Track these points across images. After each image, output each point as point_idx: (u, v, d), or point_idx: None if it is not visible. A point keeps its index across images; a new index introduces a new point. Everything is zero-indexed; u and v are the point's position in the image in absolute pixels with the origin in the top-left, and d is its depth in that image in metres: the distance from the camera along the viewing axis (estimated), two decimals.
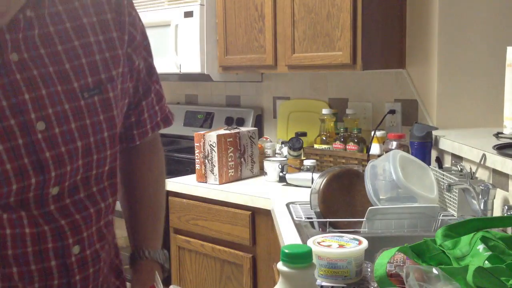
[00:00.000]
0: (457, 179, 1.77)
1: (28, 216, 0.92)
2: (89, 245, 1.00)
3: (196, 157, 2.62)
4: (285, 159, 2.67)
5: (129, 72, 1.07)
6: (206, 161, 2.59)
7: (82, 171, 0.98)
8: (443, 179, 1.88)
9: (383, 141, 2.43)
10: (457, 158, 2.01)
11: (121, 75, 1.03)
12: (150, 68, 1.16)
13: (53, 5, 0.94)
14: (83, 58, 0.96)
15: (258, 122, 3.17)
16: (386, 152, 2.10)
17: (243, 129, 2.73)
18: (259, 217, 2.37)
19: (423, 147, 2.19)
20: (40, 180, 0.91)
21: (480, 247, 1.20)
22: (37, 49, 0.91)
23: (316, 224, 1.88)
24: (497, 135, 2.00)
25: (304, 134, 2.77)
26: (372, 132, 2.48)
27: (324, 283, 1.29)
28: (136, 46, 1.08)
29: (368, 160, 2.29)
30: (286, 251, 0.81)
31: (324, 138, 2.66)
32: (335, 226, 1.83)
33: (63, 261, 0.96)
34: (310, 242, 1.34)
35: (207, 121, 3.32)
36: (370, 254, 1.33)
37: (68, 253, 0.96)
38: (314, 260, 0.99)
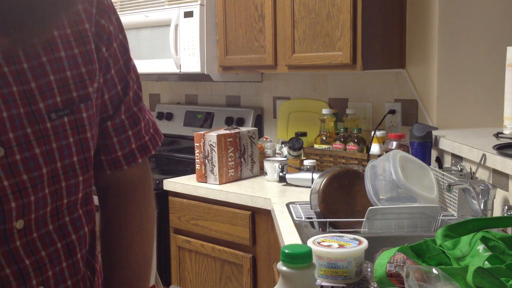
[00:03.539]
0: (457, 179, 1.77)
1: None
2: (56, 284, 0.90)
3: (196, 157, 2.62)
4: (285, 159, 2.67)
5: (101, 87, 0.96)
6: (206, 161, 2.59)
7: (50, 201, 0.88)
8: (443, 179, 1.88)
9: (383, 141, 2.43)
10: (457, 158, 2.01)
11: (95, 91, 0.93)
12: (127, 87, 1.01)
13: None
14: (51, 75, 0.86)
15: (258, 122, 3.17)
16: (386, 152, 2.10)
17: (243, 129, 2.73)
18: (259, 217, 2.37)
19: (423, 147, 2.19)
20: None
21: (480, 247, 1.20)
22: (1, 67, 0.82)
23: (316, 224, 1.88)
24: (497, 135, 2.00)
25: (304, 134, 2.77)
26: (372, 132, 2.48)
27: (324, 283, 1.29)
28: (100, 59, 0.95)
29: (368, 160, 2.29)
30: (286, 251, 0.81)
31: (324, 138, 2.66)
32: (335, 226, 1.83)
33: None
34: (310, 242, 1.34)
35: (207, 121, 3.32)
36: (370, 254, 1.33)
37: None
38: (314, 260, 0.99)
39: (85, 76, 0.91)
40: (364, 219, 1.74)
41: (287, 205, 2.12)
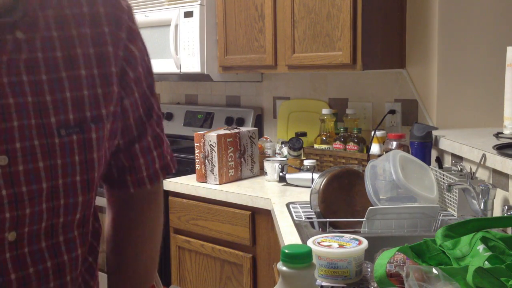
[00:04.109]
0: (457, 179, 1.77)
1: None
2: None
3: (196, 157, 2.62)
4: (285, 159, 2.67)
5: (121, 110, 0.96)
6: (206, 161, 2.59)
7: (46, 217, 0.86)
8: (443, 179, 1.88)
9: (383, 141, 2.43)
10: (457, 158, 2.01)
11: (112, 114, 0.93)
12: (151, 109, 1.03)
13: (47, 30, 0.85)
14: (67, 92, 0.86)
15: (258, 122, 3.17)
16: (386, 152, 2.10)
17: (243, 129, 2.73)
18: (259, 217, 2.37)
19: (423, 147, 2.18)
20: None
21: (480, 247, 1.20)
22: (20, 75, 0.82)
23: (316, 224, 1.88)
24: (497, 135, 2.00)
25: (304, 134, 2.77)
26: (372, 132, 2.48)
27: (324, 283, 1.29)
28: (127, 83, 0.96)
29: (368, 160, 2.29)
30: (286, 251, 0.81)
31: (324, 138, 2.66)
32: (335, 226, 1.83)
33: None
34: (310, 242, 1.34)
35: (207, 121, 3.32)
36: (370, 254, 1.33)
37: None
38: (314, 260, 0.99)
39: (100, 97, 0.90)
40: (364, 219, 1.74)
41: (287, 205, 2.12)
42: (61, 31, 0.86)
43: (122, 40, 0.94)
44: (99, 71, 0.90)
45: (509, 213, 1.52)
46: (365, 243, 1.32)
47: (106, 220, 1.08)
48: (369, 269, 1.31)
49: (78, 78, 0.88)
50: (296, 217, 1.90)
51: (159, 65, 3.01)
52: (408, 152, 2.15)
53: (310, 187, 1.95)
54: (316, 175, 2.18)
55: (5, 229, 0.82)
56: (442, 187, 1.88)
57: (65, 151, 0.86)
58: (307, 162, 2.56)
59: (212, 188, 2.52)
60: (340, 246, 1.31)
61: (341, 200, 1.87)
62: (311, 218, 1.89)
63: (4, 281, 0.83)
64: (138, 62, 0.98)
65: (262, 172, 2.71)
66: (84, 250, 0.95)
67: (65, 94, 0.86)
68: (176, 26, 2.89)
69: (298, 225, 1.82)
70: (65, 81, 0.86)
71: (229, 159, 2.60)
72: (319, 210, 1.85)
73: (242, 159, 2.67)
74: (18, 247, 0.84)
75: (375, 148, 2.46)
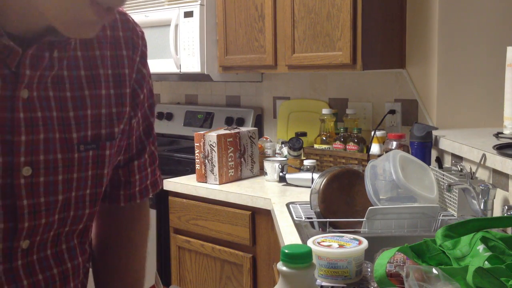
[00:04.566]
0: (457, 179, 1.77)
1: None
2: None
3: (196, 157, 2.62)
4: (285, 159, 2.67)
5: (128, 129, 1.01)
6: (206, 161, 2.59)
7: (56, 227, 0.91)
8: (443, 179, 1.88)
9: (383, 141, 2.43)
10: (457, 158, 2.01)
11: (121, 132, 0.98)
12: (150, 128, 1.09)
13: (74, 49, 0.89)
14: (89, 110, 0.91)
15: (258, 122, 3.17)
16: (386, 152, 2.10)
17: (243, 129, 2.73)
18: (259, 217, 2.37)
19: (423, 147, 2.18)
20: (9, 227, 0.84)
21: (480, 247, 1.20)
22: (47, 90, 0.86)
23: (316, 224, 1.88)
24: (497, 135, 2.00)
25: (304, 134, 2.77)
26: (372, 132, 2.48)
27: (324, 283, 1.29)
28: (137, 103, 1.01)
29: (368, 160, 2.29)
30: (286, 251, 0.81)
31: (324, 138, 2.66)
32: (335, 226, 1.83)
33: None
34: (310, 242, 1.34)
35: (207, 121, 3.32)
36: (370, 254, 1.33)
37: None
38: (314, 260, 0.99)
39: (114, 116, 0.95)
40: (364, 219, 1.74)
41: (287, 205, 2.12)
42: (85, 51, 0.91)
43: (136, 63, 1.00)
44: (115, 91, 0.95)
45: (509, 213, 1.52)
46: (365, 243, 1.32)
47: (93, 229, 1.10)
48: (369, 269, 1.31)
49: (98, 97, 0.92)
50: (296, 217, 1.90)
51: (159, 65, 3.01)
52: (408, 152, 2.15)
53: (310, 187, 1.95)
54: (316, 175, 2.18)
55: (21, 238, 0.86)
56: (442, 187, 1.88)
57: (81, 166, 0.91)
58: (307, 162, 2.56)
59: (212, 188, 2.52)
60: (340, 246, 1.30)
61: (341, 200, 1.87)
62: (311, 218, 1.89)
63: (18, 287, 0.87)
64: (145, 83, 1.03)
65: (262, 172, 2.71)
66: (84, 258, 0.99)
67: (86, 112, 0.91)
68: (176, 26, 2.89)
69: (298, 225, 1.82)
70: (87, 99, 0.91)
71: (229, 159, 2.60)
72: (319, 210, 1.85)
73: (242, 159, 2.67)
74: (28, 254, 0.88)
75: (375, 148, 2.46)
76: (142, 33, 1.03)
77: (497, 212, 1.68)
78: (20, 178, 0.84)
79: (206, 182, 2.60)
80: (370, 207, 1.74)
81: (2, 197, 0.83)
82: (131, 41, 0.98)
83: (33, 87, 0.84)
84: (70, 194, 0.90)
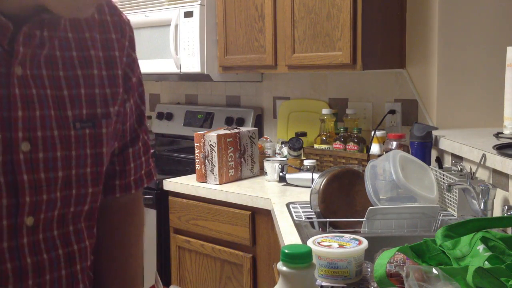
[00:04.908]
0: (457, 179, 1.77)
1: None
2: None
3: (196, 157, 2.62)
4: (285, 159, 2.67)
5: (123, 113, 1.04)
6: (206, 161, 2.59)
7: (60, 206, 0.92)
8: (443, 179, 1.88)
9: (383, 141, 2.43)
10: (457, 158, 2.01)
11: (116, 113, 1.00)
12: (142, 116, 1.11)
13: (64, 31, 0.92)
14: (82, 88, 0.93)
15: (258, 122, 3.17)
16: (386, 152, 2.10)
17: (243, 129, 2.73)
18: (259, 217, 2.37)
19: (423, 147, 2.19)
20: (12, 203, 0.86)
21: (480, 247, 1.20)
22: (40, 69, 0.88)
23: (316, 224, 1.88)
24: (497, 135, 2.00)
25: (304, 134, 2.77)
26: (372, 132, 2.48)
27: (324, 283, 1.29)
28: (130, 88, 1.04)
29: (368, 160, 2.29)
30: (286, 251, 0.81)
31: (324, 138, 2.66)
32: (335, 226, 1.83)
33: None
34: (310, 242, 1.34)
35: (207, 121, 3.32)
36: (370, 254, 1.33)
37: None
38: (314, 260, 0.99)
39: (108, 97, 0.98)
40: (364, 219, 1.74)
41: (287, 205, 2.12)
42: (75, 34, 0.94)
43: (126, 47, 1.02)
44: (108, 72, 0.98)
45: (509, 213, 1.52)
46: (365, 243, 1.32)
47: None
48: (369, 269, 1.32)
49: (91, 77, 0.95)
50: (296, 217, 1.90)
51: (159, 65, 3.01)
52: (408, 152, 2.15)
53: (310, 187, 1.95)
54: (316, 175, 2.18)
55: (25, 213, 0.87)
56: (442, 187, 1.88)
57: (79, 143, 0.93)
58: (307, 162, 2.56)
59: (212, 188, 2.52)
60: (340, 246, 1.31)
61: (341, 200, 1.87)
62: (311, 218, 1.89)
63: (21, 265, 0.88)
64: (136, 69, 1.06)
65: (262, 172, 2.71)
66: (92, 242, 1.00)
67: (80, 91, 0.93)
68: (176, 26, 2.89)
69: (298, 225, 1.82)
70: (80, 79, 0.93)
71: (229, 159, 2.60)
72: (319, 210, 1.85)
73: (242, 159, 2.67)
74: (34, 233, 0.89)
75: (375, 148, 2.46)
76: (129, 20, 1.05)
77: (497, 212, 1.68)
78: (20, 153, 0.86)
79: (206, 182, 2.60)
80: (370, 207, 1.74)
81: (3, 173, 0.84)
82: (119, 26, 1.01)
83: (26, 65, 0.86)
84: (70, 172, 0.92)
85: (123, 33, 1.02)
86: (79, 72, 0.93)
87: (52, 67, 0.90)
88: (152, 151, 1.15)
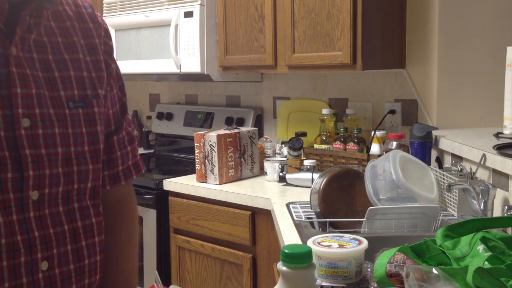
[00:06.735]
0: (457, 179, 1.77)
1: (5, 224, 0.89)
2: (59, 264, 0.97)
3: (196, 157, 2.62)
4: (285, 159, 2.67)
5: (109, 98, 1.10)
6: (206, 161, 2.59)
7: (63, 182, 0.97)
8: (443, 179, 1.88)
9: (383, 141, 2.43)
10: (457, 158, 2.01)
11: (104, 96, 1.06)
12: (124, 107, 1.16)
13: (47, 20, 0.99)
14: (71, 71, 1.00)
15: (258, 122, 3.17)
16: (386, 152, 2.10)
17: (243, 129, 2.73)
18: (259, 217, 2.37)
19: (423, 147, 2.19)
20: (17, 177, 0.90)
21: (480, 247, 1.20)
22: (31, 52, 0.94)
23: (316, 224, 1.88)
24: (497, 135, 2.00)
25: (304, 134, 2.77)
26: (372, 132, 2.48)
27: (324, 283, 1.29)
28: (110, 72, 1.10)
29: (368, 160, 2.29)
30: (286, 251, 0.81)
31: (324, 138, 2.66)
32: (335, 226, 1.83)
33: (32, 278, 0.93)
34: (310, 242, 1.34)
35: (207, 121, 3.32)
36: (370, 254, 1.33)
37: (36, 269, 0.93)
38: (314, 260, 0.99)
39: (95, 80, 1.04)
40: (364, 219, 1.74)
41: (287, 205, 2.12)
42: (57, 23, 1.01)
43: (102, 36, 1.09)
44: (91, 58, 1.05)
45: (509, 213, 1.52)
46: (365, 243, 1.32)
47: None
48: (369, 269, 1.31)
49: (78, 60, 1.02)
50: (296, 217, 1.90)
51: (159, 65, 3.01)
52: (408, 152, 2.15)
53: (310, 187, 1.95)
54: (316, 175, 2.18)
55: (29, 187, 0.92)
56: (442, 187, 1.88)
57: (74, 122, 0.99)
58: (307, 162, 2.56)
59: (212, 188, 2.52)
60: (340, 246, 1.31)
61: (341, 200, 1.87)
62: (311, 218, 1.89)
63: (29, 237, 0.93)
64: (113, 58, 1.13)
65: (262, 172, 2.71)
66: (98, 220, 1.05)
67: (69, 73, 0.99)
68: (176, 26, 2.89)
69: (298, 225, 1.82)
70: (68, 62, 1.00)
71: (229, 159, 2.60)
72: (319, 210, 1.85)
73: (242, 159, 2.67)
74: (40, 208, 0.94)
75: (375, 148, 2.46)
76: (101, 15, 1.13)
77: (497, 212, 1.68)
78: (21, 129, 0.91)
79: (206, 182, 2.60)
80: (370, 207, 1.74)
81: (7, 149, 0.89)
82: (94, 17, 1.09)
83: (18, 47, 0.92)
84: (69, 149, 0.98)
85: (99, 24, 1.09)
86: (66, 56, 1.00)
87: (42, 51, 0.96)
88: (136, 143, 1.19)
